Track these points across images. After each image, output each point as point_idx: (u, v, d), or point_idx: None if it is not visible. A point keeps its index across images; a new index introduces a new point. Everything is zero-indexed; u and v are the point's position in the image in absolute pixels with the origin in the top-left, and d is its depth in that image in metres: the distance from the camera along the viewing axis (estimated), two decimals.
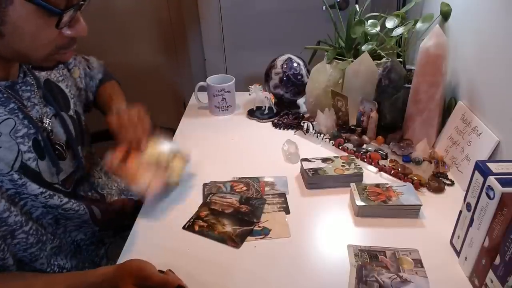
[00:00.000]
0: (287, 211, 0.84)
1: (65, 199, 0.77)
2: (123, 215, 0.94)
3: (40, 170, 0.72)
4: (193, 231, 0.79)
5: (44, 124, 0.75)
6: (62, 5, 0.58)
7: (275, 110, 1.25)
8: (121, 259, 0.73)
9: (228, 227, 0.80)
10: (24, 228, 0.69)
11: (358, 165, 0.94)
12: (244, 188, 0.91)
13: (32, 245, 0.71)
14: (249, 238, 0.77)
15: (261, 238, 0.77)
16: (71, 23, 0.62)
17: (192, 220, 0.82)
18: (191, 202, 0.88)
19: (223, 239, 0.77)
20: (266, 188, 0.91)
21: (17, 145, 0.68)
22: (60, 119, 0.80)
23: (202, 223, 0.81)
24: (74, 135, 0.83)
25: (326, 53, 1.15)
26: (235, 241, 0.76)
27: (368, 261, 0.71)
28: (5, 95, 0.68)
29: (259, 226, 0.80)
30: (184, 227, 0.81)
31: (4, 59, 0.65)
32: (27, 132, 0.70)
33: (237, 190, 0.91)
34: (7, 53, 0.62)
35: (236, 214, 0.83)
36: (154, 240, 0.79)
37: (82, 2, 0.61)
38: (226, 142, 1.13)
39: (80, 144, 0.87)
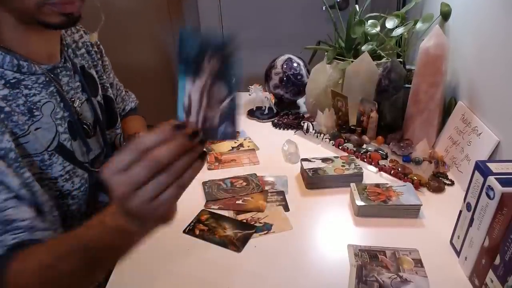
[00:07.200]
0: (286, 208, 0.85)
1: (77, 185, 0.78)
2: None
3: (74, 150, 0.77)
4: (194, 235, 0.78)
5: (76, 108, 0.80)
6: None
7: (275, 110, 1.25)
8: (118, 266, 0.71)
9: (229, 231, 0.79)
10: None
11: (358, 165, 0.94)
12: (244, 184, 0.92)
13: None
14: (253, 235, 0.78)
15: (264, 234, 0.78)
16: None
17: (192, 224, 0.82)
18: (191, 205, 0.86)
19: (224, 243, 0.76)
20: (266, 188, 0.91)
21: (55, 126, 0.72)
22: (90, 104, 0.84)
23: (203, 227, 0.80)
24: (101, 119, 0.87)
25: (326, 53, 1.15)
26: (236, 245, 0.76)
27: (368, 261, 0.71)
28: (47, 79, 0.72)
29: (260, 223, 0.80)
30: (184, 231, 0.80)
31: (43, 34, 0.69)
32: (63, 115, 0.74)
33: (237, 186, 0.91)
34: (16, 15, 0.65)
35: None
36: (154, 244, 0.77)
37: None
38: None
39: (107, 128, 0.90)
